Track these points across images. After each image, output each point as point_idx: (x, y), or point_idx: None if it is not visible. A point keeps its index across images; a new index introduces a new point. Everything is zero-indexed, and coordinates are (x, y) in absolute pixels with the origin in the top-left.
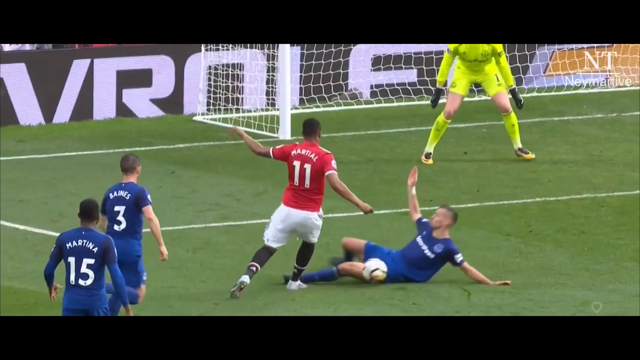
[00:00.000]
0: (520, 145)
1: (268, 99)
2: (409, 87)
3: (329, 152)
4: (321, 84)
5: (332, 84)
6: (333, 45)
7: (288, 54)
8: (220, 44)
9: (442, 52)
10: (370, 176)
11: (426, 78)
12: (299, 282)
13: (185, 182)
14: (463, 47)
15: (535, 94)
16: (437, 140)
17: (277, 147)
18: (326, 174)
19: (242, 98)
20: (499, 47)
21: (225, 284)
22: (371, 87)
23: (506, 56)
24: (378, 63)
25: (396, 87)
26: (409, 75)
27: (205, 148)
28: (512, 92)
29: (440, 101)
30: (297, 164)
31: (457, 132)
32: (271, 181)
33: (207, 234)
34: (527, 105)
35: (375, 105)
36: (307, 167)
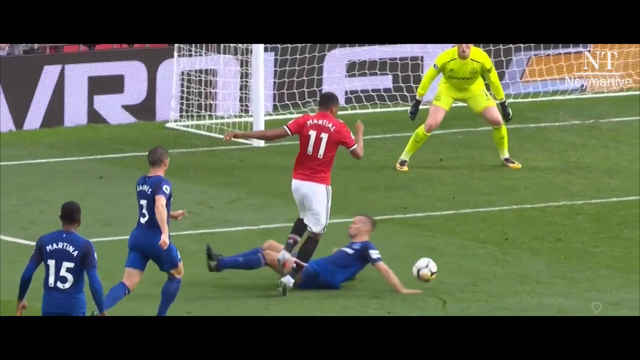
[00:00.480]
0: (507, 156)
1: (241, 105)
2: (384, 94)
3: (343, 122)
4: (295, 90)
5: (306, 90)
6: (307, 50)
7: (262, 60)
8: (193, 50)
9: (417, 58)
10: (345, 183)
11: (401, 84)
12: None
13: None
14: (452, 65)
15: (511, 100)
16: (414, 150)
17: (290, 122)
18: (351, 149)
19: (215, 104)
20: (488, 63)
21: (198, 293)
22: (346, 93)
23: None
24: (353, 69)
25: (371, 93)
26: (384, 82)
27: (178, 155)
28: (502, 105)
29: (422, 107)
30: (312, 133)
31: (433, 138)
32: (244, 189)
33: (180, 242)
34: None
35: (350, 111)
36: (324, 136)
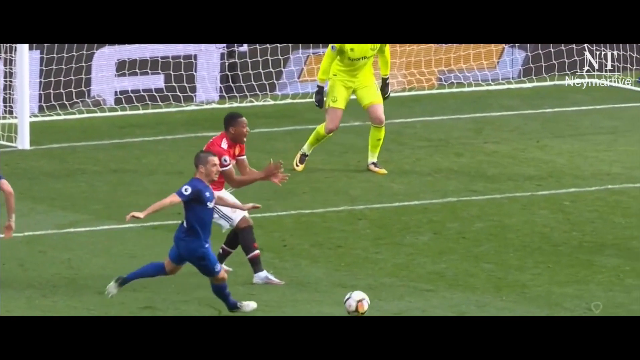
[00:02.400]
0: (375, 160)
1: (5, 106)
2: (155, 94)
3: (225, 148)
4: (62, 90)
5: (73, 90)
6: (75, 49)
7: (27, 58)
8: None
9: (190, 57)
10: (114, 188)
11: (174, 84)
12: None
13: None
14: (351, 44)
15: (289, 100)
16: (314, 146)
17: None
18: (220, 170)
19: None
20: None
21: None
22: (115, 93)
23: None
24: (123, 68)
25: (142, 93)
26: (156, 81)
27: None
28: (384, 81)
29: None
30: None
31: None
32: None
33: None
34: (281, 113)
35: (120, 112)
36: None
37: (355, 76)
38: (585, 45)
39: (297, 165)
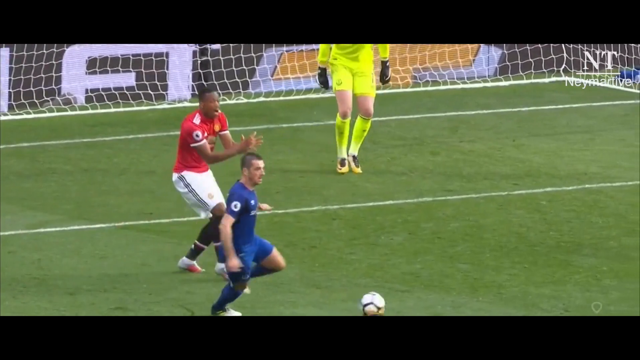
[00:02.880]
0: (356, 154)
1: None
2: (127, 92)
3: (196, 123)
4: (32, 89)
5: (44, 88)
6: (45, 47)
7: None
8: None
9: (162, 54)
10: (85, 187)
11: (145, 82)
12: (189, 261)
13: None
14: None
15: (262, 99)
16: (345, 143)
17: None
18: (192, 146)
19: None
20: None
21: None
22: (86, 91)
23: None
24: (93, 66)
25: (113, 91)
26: (127, 79)
27: None
28: (384, 64)
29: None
30: None
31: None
32: None
33: None
34: (254, 111)
35: (91, 111)
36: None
37: (355, 60)
38: (563, 44)
39: (339, 170)
